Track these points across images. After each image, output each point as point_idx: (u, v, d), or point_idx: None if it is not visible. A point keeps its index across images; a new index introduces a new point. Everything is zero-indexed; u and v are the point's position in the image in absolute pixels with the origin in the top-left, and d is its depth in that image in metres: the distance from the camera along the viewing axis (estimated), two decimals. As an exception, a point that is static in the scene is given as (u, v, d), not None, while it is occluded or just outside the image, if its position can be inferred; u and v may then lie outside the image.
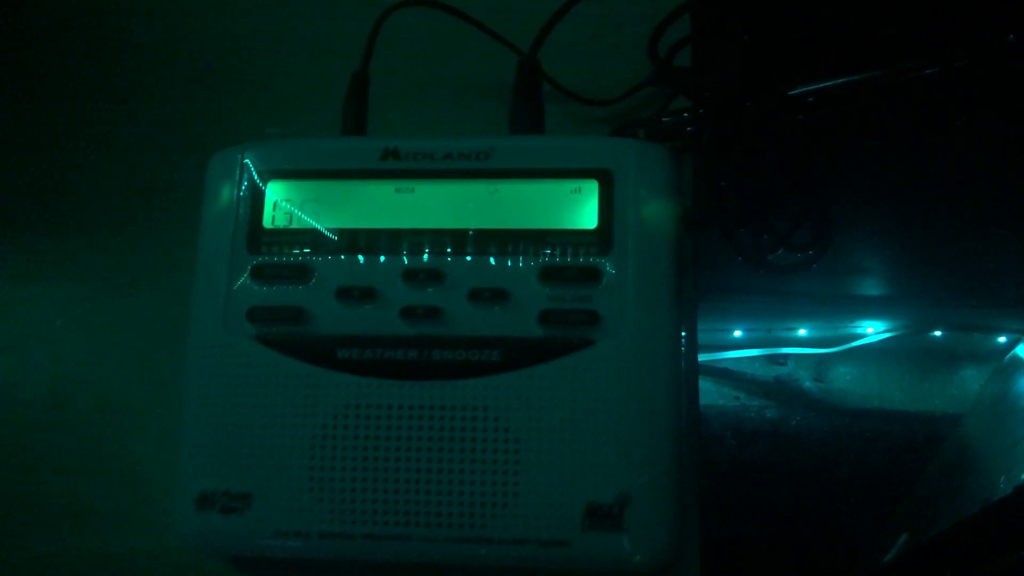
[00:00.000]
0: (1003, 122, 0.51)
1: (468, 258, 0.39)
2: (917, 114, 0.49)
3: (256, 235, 0.40)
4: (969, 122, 0.50)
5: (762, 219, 0.47)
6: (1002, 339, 0.67)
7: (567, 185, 0.40)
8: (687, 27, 0.49)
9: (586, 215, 0.39)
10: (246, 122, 0.52)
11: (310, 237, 0.40)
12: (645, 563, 0.37)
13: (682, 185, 0.41)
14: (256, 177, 0.41)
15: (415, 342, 0.39)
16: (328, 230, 0.40)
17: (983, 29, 0.45)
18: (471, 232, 0.40)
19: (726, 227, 0.46)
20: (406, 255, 0.40)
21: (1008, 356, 0.66)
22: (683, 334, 0.39)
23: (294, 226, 0.41)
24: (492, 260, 0.39)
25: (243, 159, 0.41)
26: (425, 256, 0.40)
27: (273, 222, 0.41)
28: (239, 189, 0.41)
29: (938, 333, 0.68)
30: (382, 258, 0.40)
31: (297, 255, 0.40)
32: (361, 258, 0.40)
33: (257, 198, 0.41)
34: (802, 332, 0.69)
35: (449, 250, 0.40)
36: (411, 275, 0.39)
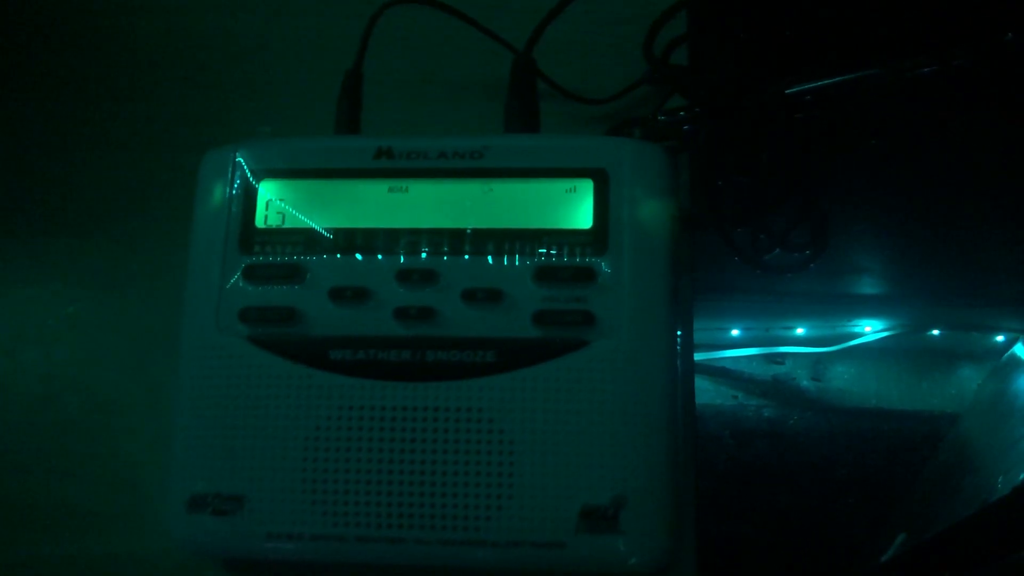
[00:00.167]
0: (1001, 121, 0.50)
1: (462, 258, 0.39)
2: (915, 113, 0.49)
3: (248, 235, 0.40)
4: (967, 121, 0.50)
5: (759, 219, 0.46)
6: (1000, 338, 0.67)
7: (562, 184, 0.40)
8: (683, 25, 0.49)
9: (581, 215, 0.39)
10: (238, 121, 0.51)
11: (303, 237, 0.40)
12: (641, 565, 0.37)
13: (678, 185, 0.41)
14: (249, 176, 0.41)
15: (409, 343, 0.38)
16: (321, 230, 0.40)
17: (981, 28, 0.45)
18: (465, 232, 0.39)
19: (722, 227, 0.46)
20: (400, 255, 0.39)
21: (1006, 355, 0.66)
22: (679, 334, 0.39)
23: (287, 225, 0.40)
24: (486, 260, 0.39)
25: (236, 158, 0.41)
26: (419, 256, 0.39)
27: (266, 221, 0.40)
28: (231, 188, 0.41)
29: (936, 332, 0.68)
30: (375, 258, 0.39)
31: (290, 255, 0.40)
32: (354, 258, 0.40)
33: (250, 197, 0.41)
34: (800, 331, 0.69)
35: (443, 250, 0.39)
36: (405, 275, 0.39)
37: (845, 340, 0.70)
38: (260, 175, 0.41)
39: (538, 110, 0.44)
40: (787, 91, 0.46)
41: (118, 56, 0.54)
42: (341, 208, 0.40)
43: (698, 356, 0.48)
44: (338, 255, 0.40)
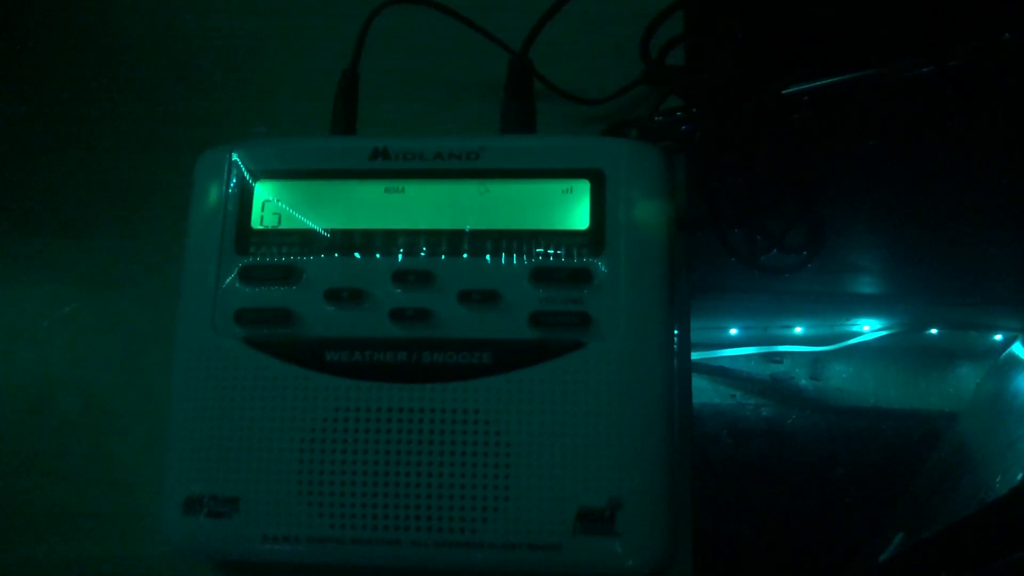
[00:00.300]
0: (998, 121, 0.50)
1: (458, 259, 0.39)
2: (912, 113, 0.49)
3: (244, 235, 0.40)
4: (964, 121, 0.50)
5: (756, 220, 0.46)
6: (998, 337, 0.67)
7: (558, 185, 0.40)
8: (680, 25, 0.49)
9: (578, 215, 0.39)
10: (233, 121, 0.51)
11: (299, 237, 0.40)
12: (637, 567, 0.37)
13: (675, 186, 0.41)
14: (244, 177, 0.41)
15: (405, 344, 0.38)
16: (317, 230, 0.40)
17: (978, 28, 0.45)
18: (462, 233, 0.39)
19: (719, 228, 0.45)
20: (396, 256, 0.39)
21: (1004, 354, 0.66)
22: (675, 335, 0.39)
23: (283, 226, 0.40)
24: (483, 261, 0.39)
25: (231, 158, 0.41)
26: (415, 257, 0.39)
27: (261, 222, 0.40)
28: (227, 189, 0.41)
29: (934, 331, 0.68)
30: (371, 259, 0.39)
31: (286, 256, 0.40)
32: (350, 259, 0.39)
33: (245, 198, 0.40)
34: (798, 330, 0.69)
35: (439, 251, 0.39)
36: (401, 276, 0.39)
37: (844, 339, 0.70)
38: (256, 175, 0.41)
39: (534, 110, 0.44)
40: (784, 91, 0.46)
41: (113, 56, 0.54)
42: (337, 209, 0.40)
43: (696, 355, 0.48)
44: (334, 256, 0.40)
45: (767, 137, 0.45)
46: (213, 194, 0.41)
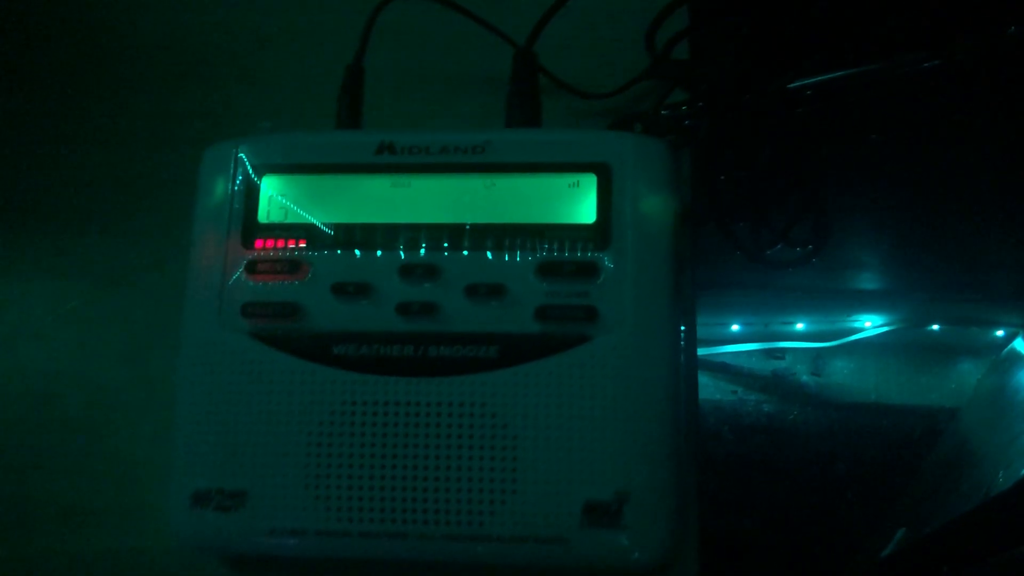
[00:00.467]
0: (1001, 116, 0.50)
1: (465, 253, 0.39)
2: (915, 108, 0.49)
3: (251, 230, 0.40)
4: (967, 116, 0.50)
5: (760, 214, 0.46)
6: (999, 333, 0.67)
7: (565, 179, 0.40)
8: (685, 19, 0.49)
9: (584, 209, 0.39)
10: (238, 116, 0.51)
11: (305, 232, 0.40)
12: (644, 561, 0.37)
13: (680, 180, 0.41)
14: (250, 171, 0.41)
15: (411, 338, 0.38)
16: (323, 225, 0.40)
17: (983, 22, 0.45)
18: (468, 227, 0.39)
19: (723, 222, 0.45)
20: (402, 250, 0.39)
21: (1005, 350, 0.67)
22: (682, 329, 0.39)
23: (289, 221, 0.40)
24: (489, 255, 0.39)
25: (237, 153, 0.41)
26: (421, 251, 0.39)
27: (268, 217, 0.40)
28: (233, 183, 0.41)
29: (936, 327, 0.68)
30: (378, 253, 0.39)
31: (292, 250, 0.40)
32: (357, 253, 0.39)
33: (252, 192, 0.40)
34: (800, 326, 0.69)
35: (446, 245, 0.39)
36: (407, 270, 0.39)
37: (845, 335, 0.70)
38: (262, 170, 0.41)
39: (540, 105, 0.44)
40: (789, 86, 0.46)
41: (118, 51, 0.54)
42: (343, 203, 0.40)
43: (698, 351, 0.48)
44: (340, 250, 0.40)
45: (771, 131, 0.45)
46: (219, 189, 0.41)
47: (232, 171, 0.41)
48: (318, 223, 0.40)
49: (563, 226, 0.39)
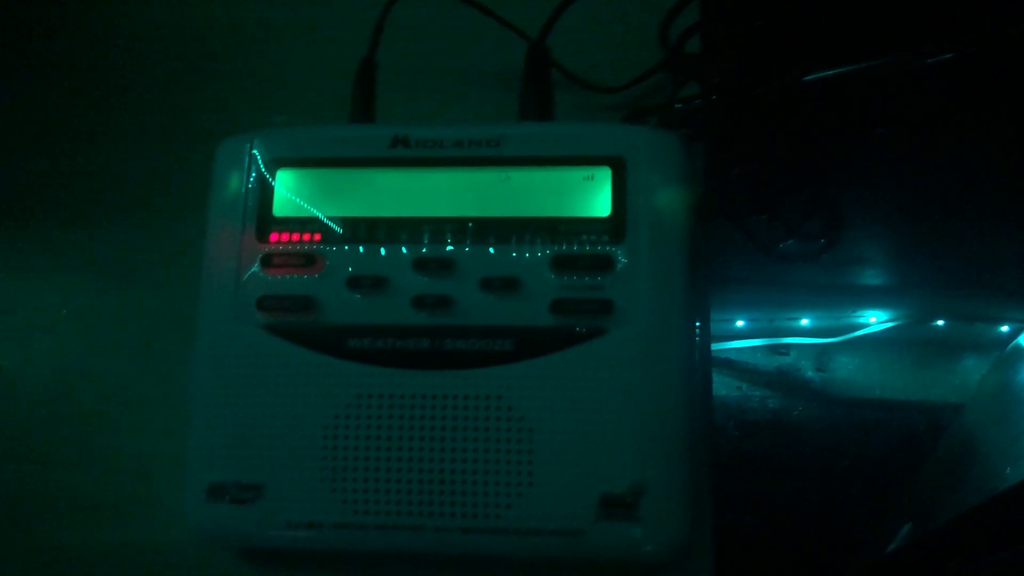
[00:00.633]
0: (1008, 112, 0.50)
1: (479, 247, 0.39)
2: (924, 103, 0.49)
3: (265, 223, 0.40)
4: (976, 111, 0.50)
5: (772, 208, 0.46)
6: (1004, 328, 0.67)
7: (579, 172, 0.40)
8: (697, 13, 0.49)
9: (599, 203, 0.39)
10: (251, 111, 0.51)
11: (320, 226, 0.40)
12: (658, 553, 0.37)
13: (694, 173, 0.41)
14: (265, 165, 0.41)
15: (427, 331, 0.38)
16: (338, 218, 0.40)
17: (996, 16, 0.45)
18: (482, 220, 0.39)
19: (736, 216, 0.45)
20: (417, 244, 0.39)
21: (1010, 346, 0.66)
22: (697, 323, 0.39)
23: (304, 214, 0.40)
24: (504, 248, 0.39)
25: (251, 148, 0.41)
26: (436, 245, 0.39)
27: (283, 210, 0.40)
28: (248, 178, 0.41)
29: (940, 323, 0.68)
30: (393, 246, 0.39)
31: (307, 244, 0.40)
32: (371, 247, 0.39)
33: (266, 186, 0.41)
34: (804, 322, 0.69)
35: (460, 238, 0.39)
36: (422, 264, 0.39)
37: (850, 331, 0.70)
38: (276, 164, 0.41)
39: (552, 98, 0.44)
40: (802, 79, 0.46)
41: (127, 46, 0.54)
42: (358, 197, 0.40)
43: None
44: (355, 244, 0.40)
45: (784, 125, 0.45)
46: (234, 183, 0.41)
47: (246, 165, 0.41)
48: (333, 217, 0.40)
49: (578, 219, 0.39)
